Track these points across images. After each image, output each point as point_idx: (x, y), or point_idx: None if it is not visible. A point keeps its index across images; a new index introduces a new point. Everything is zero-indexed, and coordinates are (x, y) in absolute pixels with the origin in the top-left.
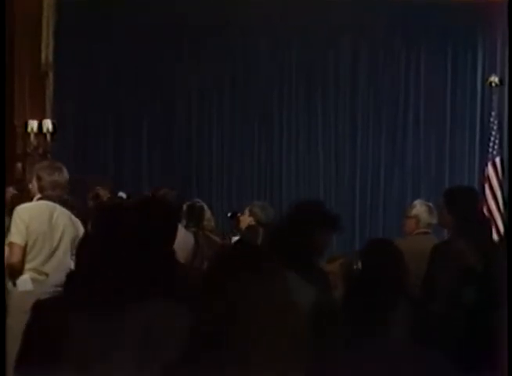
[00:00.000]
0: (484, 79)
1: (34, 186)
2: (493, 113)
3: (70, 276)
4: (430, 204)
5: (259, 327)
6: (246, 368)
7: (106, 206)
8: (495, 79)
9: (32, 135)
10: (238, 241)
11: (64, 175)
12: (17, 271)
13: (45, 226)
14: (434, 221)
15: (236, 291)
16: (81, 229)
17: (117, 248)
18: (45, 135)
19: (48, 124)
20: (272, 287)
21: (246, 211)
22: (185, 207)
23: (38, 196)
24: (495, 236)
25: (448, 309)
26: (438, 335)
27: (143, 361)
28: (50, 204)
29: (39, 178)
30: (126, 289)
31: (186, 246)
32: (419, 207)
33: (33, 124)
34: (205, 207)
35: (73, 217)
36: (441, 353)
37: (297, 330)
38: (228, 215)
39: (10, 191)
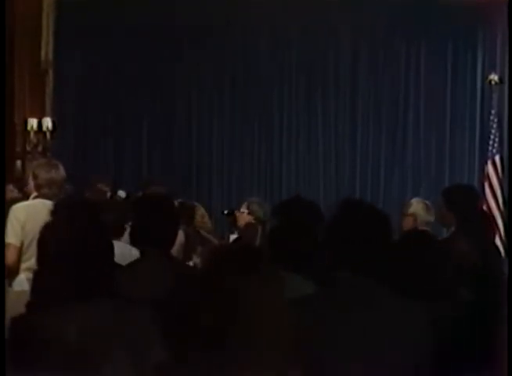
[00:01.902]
0: (484, 77)
1: (30, 184)
2: (493, 112)
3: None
4: (427, 202)
5: (255, 328)
6: (243, 368)
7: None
8: (494, 77)
9: (32, 133)
10: (236, 240)
11: (61, 172)
12: (13, 271)
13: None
14: (432, 219)
15: (232, 291)
16: None
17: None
18: (44, 133)
19: (47, 122)
20: (267, 288)
21: (244, 209)
22: (176, 204)
23: (34, 194)
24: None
25: (447, 309)
26: (437, 335)
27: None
28: (46, 202)
29: (35, 177)
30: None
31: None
32: (416, 205)
33: (32, 122)
34: (197, 204)
35: None
36: (441, 353)
37: (292, 329)
38: (225, 212)
39: (10, 189)
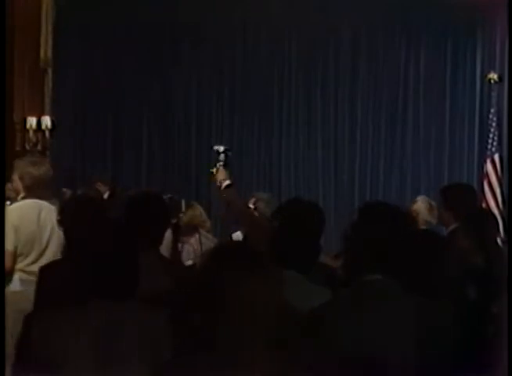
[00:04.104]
0: (484, 76)
1: (17, 184)
2: (492, 111)
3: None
4: (433, 203)
5: (252, 328)
6: (240, 370)
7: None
8: (494, 76)
9: (31, 132)
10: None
11: (46, 169)
12: (8, 275)
13: (33, 226)
14: (433, 220)
15: (229, 291)
16: None
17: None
18: (43, 131)
19: (46, 120)
20: (266, 288)
21: (251, 205)
22: (166, 199)
23: (22, 195)
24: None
25: (448, 307)
26: (437, 334)
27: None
28: (37, 201)
29: (21, 178)
30: (101, 286)
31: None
32: (420, 203)
33: (32, 121)
34: (194, 203)
35: None
36: (441, 353)
37: (293, 331)
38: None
39: (9, 188)
